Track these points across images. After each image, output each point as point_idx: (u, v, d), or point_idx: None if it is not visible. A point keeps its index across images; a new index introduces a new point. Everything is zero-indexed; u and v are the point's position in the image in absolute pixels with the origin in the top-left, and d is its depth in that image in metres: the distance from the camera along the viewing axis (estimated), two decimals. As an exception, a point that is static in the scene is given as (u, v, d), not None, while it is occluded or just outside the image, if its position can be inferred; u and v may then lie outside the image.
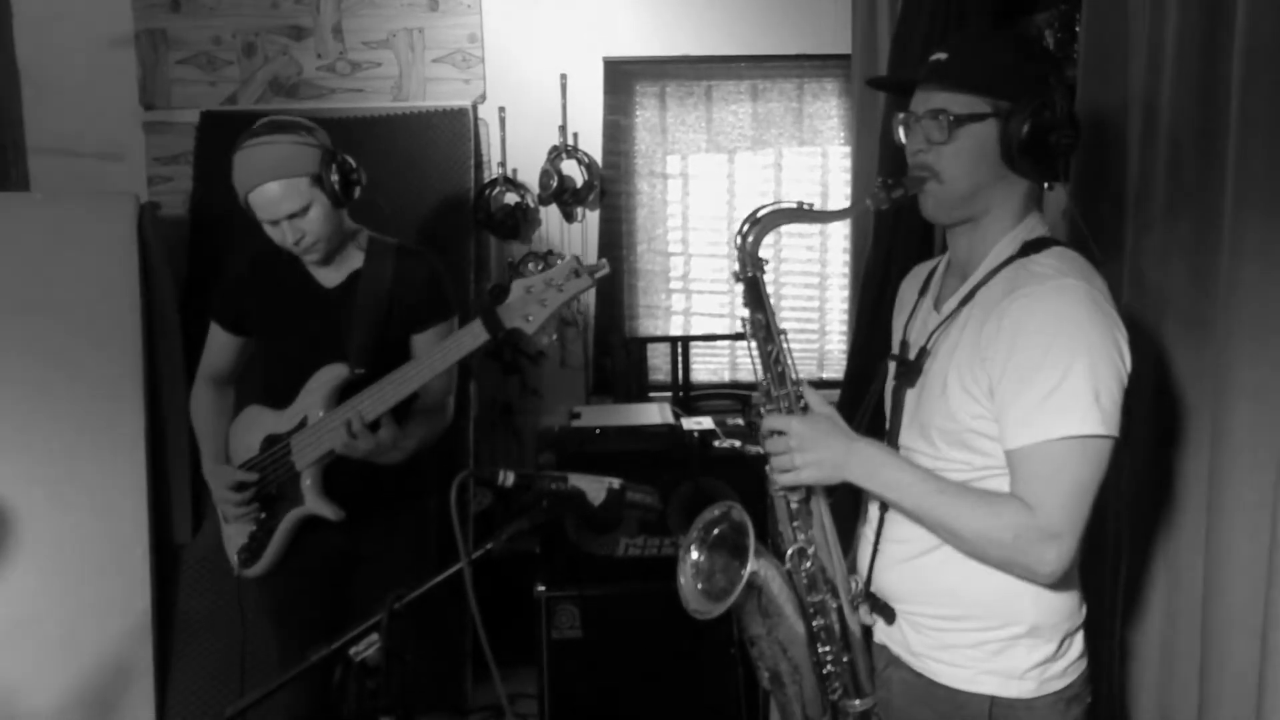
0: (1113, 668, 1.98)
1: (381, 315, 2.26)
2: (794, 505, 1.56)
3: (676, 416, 3.02)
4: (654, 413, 3.02)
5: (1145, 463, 1.88)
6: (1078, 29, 2.17)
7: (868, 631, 1.63)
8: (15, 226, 3.10)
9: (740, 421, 3.16)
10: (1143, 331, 1.81)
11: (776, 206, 1.54)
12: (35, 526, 3.03)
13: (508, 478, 1.60)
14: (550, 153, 3.58)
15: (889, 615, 1.59)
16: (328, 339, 2.24)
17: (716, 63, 3.69)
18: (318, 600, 2.33)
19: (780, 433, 1.53)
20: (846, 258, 3.75)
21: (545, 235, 3.67)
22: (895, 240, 2.78)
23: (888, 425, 1.64)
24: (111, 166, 3.62)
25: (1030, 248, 1.50)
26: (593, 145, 3.64)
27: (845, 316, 3.77)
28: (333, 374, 2.20)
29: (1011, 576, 1.46)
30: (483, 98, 3.63)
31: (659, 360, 3.78)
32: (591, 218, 3.68)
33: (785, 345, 1.57)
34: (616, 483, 1.69)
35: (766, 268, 1.56)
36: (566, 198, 3.60)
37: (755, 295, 1.56)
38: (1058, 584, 1.48)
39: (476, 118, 3.61)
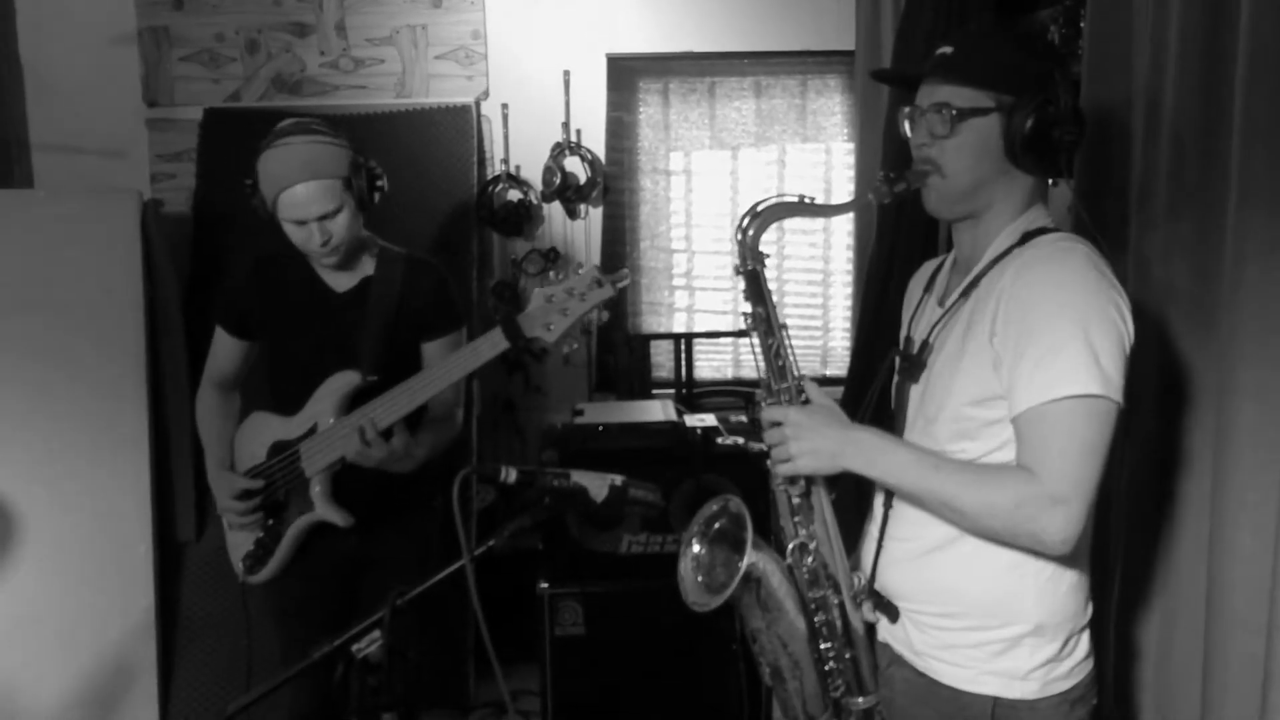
0: (1106, 665, 1.97)
1: (391, 321, 2.24)
2: (795, 500, 1.56)
3: (679, 413, 3.01)
4: (657, 410, 3.02)
5: (1148, 459, 1.88)
6: (1082, 25, 2.17)
7: (871, 629, 1.62)
8: (18, 223, 3.10)
9: (744, 418, 3.16)
10: (1147, 328, 1.81)
11: (777, 200, 1.54)
12: (38, 525, 3.03)
13: (510, 474, 1.60)
14: (553, 149, 3.58)
15: (893, 613, 1.58)
16: (336, 344, 2.22)
17: (720, 59, 3.68)
18: (324, 604, 2.32)
19: (778, 424, 1.53)
20: (850, 254, 3.74)
21: (548, 232, 3.67)
22: (898, 238, 2.77)
23: (894, 423, 1.63)
24: (114, 164, 3.61)
25: (1031, 237, 1.49)
26: (596, 142, 3.64)
27: (849, 314, 3.77)
28: (344, 380, 2.18)
29: (1017, 572, 1.45)
30: (486, 94, 3.63)
31: (662, 357, 3.79)
32: (594, 214, 3.68)
33: (786, 339, 1.57)
34: (619, 480, 1.69)
35: (769, 265, 1.56)
36: (569, 194, 3.60)
37: (756, 289, 1.56)
38: (1062, 580, 1.47)
39: (479, 114, 3.60)
